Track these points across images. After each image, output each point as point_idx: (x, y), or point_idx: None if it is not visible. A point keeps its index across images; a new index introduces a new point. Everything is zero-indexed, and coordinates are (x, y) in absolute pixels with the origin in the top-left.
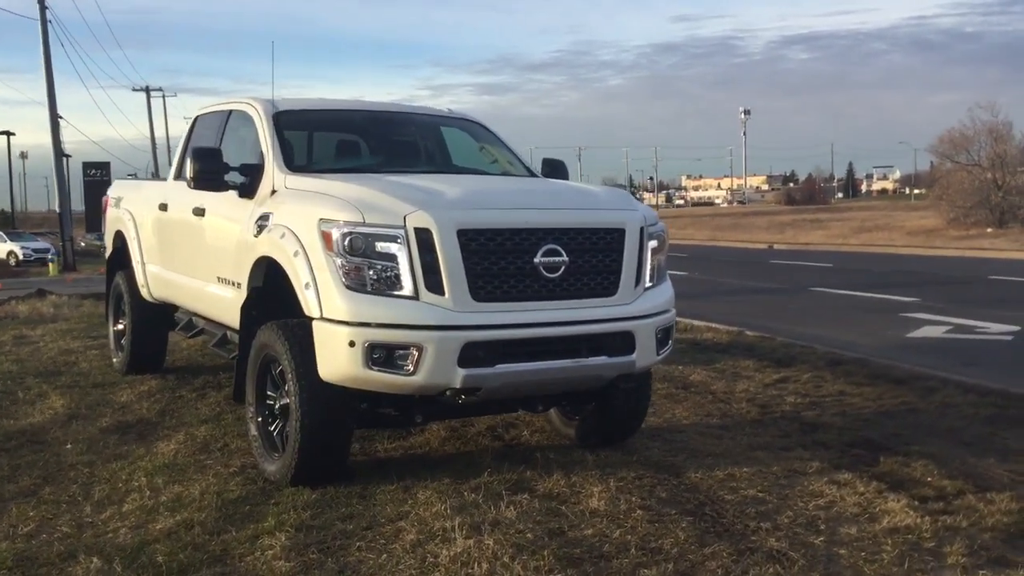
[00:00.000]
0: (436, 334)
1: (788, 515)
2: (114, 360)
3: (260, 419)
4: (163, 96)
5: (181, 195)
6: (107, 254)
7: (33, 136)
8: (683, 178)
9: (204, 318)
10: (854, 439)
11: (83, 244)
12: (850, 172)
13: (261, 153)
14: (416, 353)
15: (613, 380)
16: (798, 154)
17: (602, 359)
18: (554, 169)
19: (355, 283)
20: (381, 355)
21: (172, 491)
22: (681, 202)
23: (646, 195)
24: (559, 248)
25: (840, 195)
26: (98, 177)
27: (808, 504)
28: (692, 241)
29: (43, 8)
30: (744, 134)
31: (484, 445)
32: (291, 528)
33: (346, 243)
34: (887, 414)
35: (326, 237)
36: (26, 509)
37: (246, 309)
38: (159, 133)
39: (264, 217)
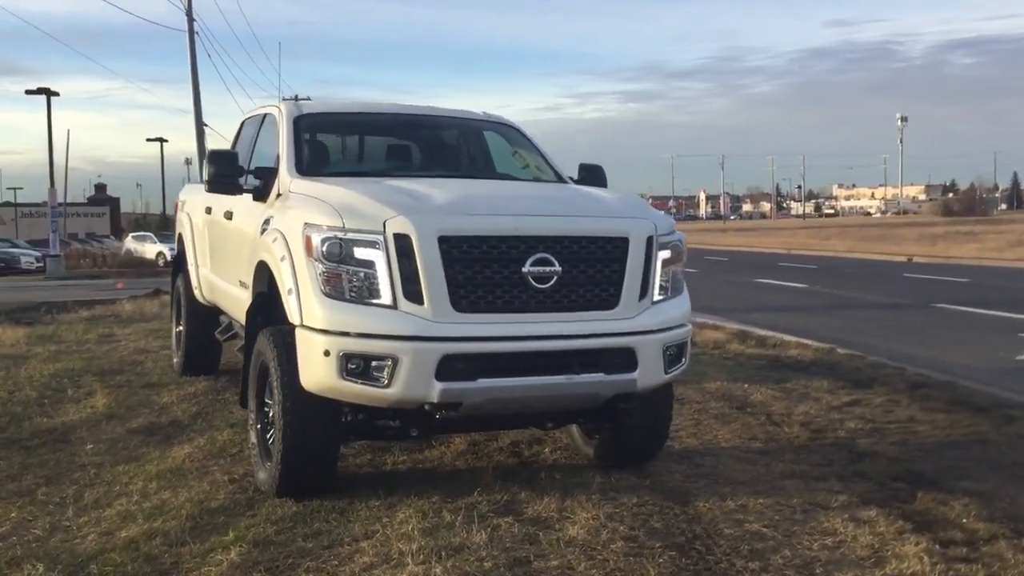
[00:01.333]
0: (412, 345)
1: (785, 555)
2: (174, 361)
3: (259, 427)
4: None
5: (219, 199)
6: (173, 256)
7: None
8: (834, 187)
9: (236, 321)
10: (901, 471)
11: None
12: (1015, 182)
13: (277, 156)
14: (391, 365)
15: (612, 399)
16: (959, 163)
17: (597, 376)
18: (590, 174)
19: (334, 290)
20: (356, 366)
21: (159, 497)
22: (832, 211)
23: (793, 204)
24: (550, 257)
25: (1003, 206)
26: None
27: (813, 543)
28: (829, 253)
29: (191, 20)
30: (901, 142)
31: (497, 461)
32: (249, 543)
33: (324, 248)
34: (951, 444)
35: (307, 242)
36: (11, 509)
37: (251, 313)
38: None
39: (267, 221)
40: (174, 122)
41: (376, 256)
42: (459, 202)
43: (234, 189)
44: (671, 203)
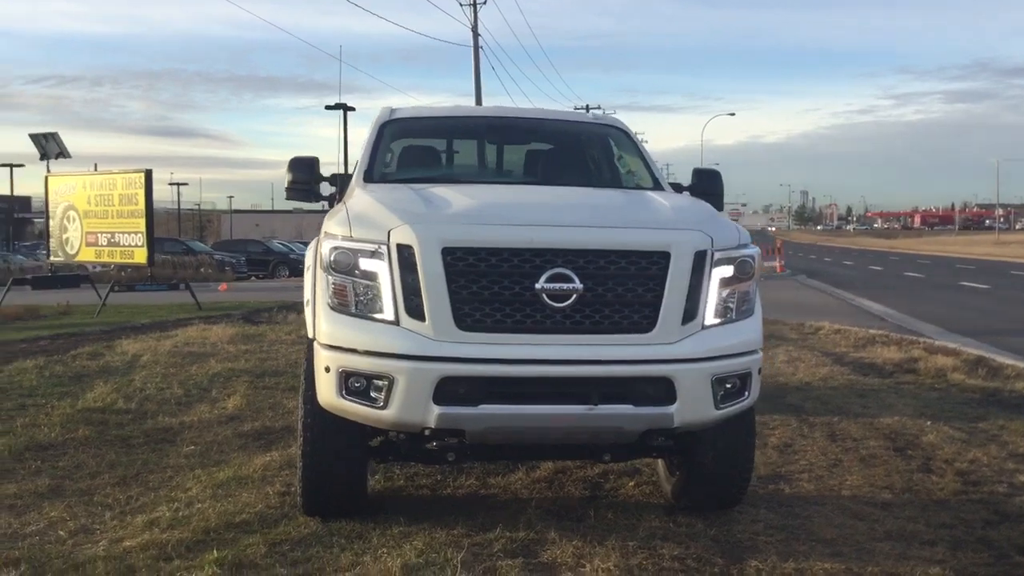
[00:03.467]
0: (408, 364)
1: None
2: None
3: None
4: (603, 114)
5: None
6: None
7: None
8: None
9: None
10: None
11: None
12: None
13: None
14: (388, 385)
15: (645, 436)
16: None
17: (624, 408)
18: (703, 179)
19: (340, 303)
20: (354, 384)
21: (200, 507)
22: None
23: None
24: (570, 273)
25: None
26: None
27: None
28: None
29: (475, 36)
30: None
31: (564, 494)
32: (225, 567)
33: (332, 258)
34: None
35: (321, 252)
36: (59, 508)
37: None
38: None
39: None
40: None
41: (380, 267)
42: (480, 210)
43: (311, 196)
44: (998, 211)
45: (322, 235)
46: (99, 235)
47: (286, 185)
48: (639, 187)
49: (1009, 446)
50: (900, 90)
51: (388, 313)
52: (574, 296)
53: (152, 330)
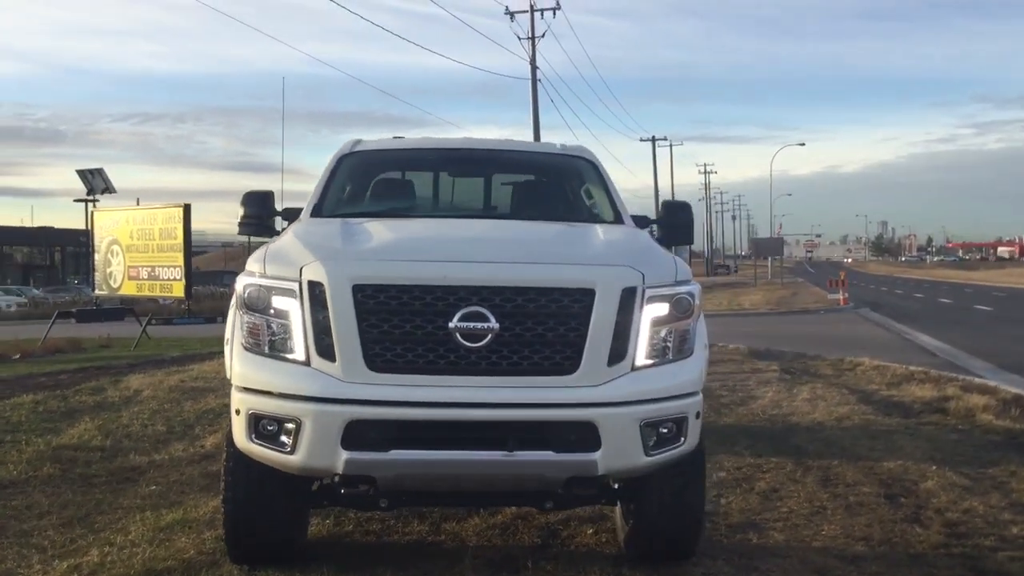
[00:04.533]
0: (314, 407)
1: None
2: None
3: None
4: (669, 145)
5: None
6: None
7: None
8: None
9: None
10: None
11: None
12: None
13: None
14: (295, 428)
15: (571, 483)
16: None
17: (544, 455)
18: (671, 212)
19: (254, 343)
20: (265, 428)
21: (132, 551)
22: None
23: None
24: (485, 312)
25: None
26: None
27: None
28: None
29: (534, 69)
30: None
31: (515, 542)
32: None
33: (246, 295)
34: None
35: (237, 289)
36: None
37: None
38: (663, 182)
39: None
40: None
41: (292, 306)
42: (398, 245)
43: (263, 231)
44: None
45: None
46: (140, 269)
47: (239, 220)
48: (599, 220)
49: (1013, 495)
50: (980, 119)
51: (299, 353)
52: (490, 336)
53: (174, 364)
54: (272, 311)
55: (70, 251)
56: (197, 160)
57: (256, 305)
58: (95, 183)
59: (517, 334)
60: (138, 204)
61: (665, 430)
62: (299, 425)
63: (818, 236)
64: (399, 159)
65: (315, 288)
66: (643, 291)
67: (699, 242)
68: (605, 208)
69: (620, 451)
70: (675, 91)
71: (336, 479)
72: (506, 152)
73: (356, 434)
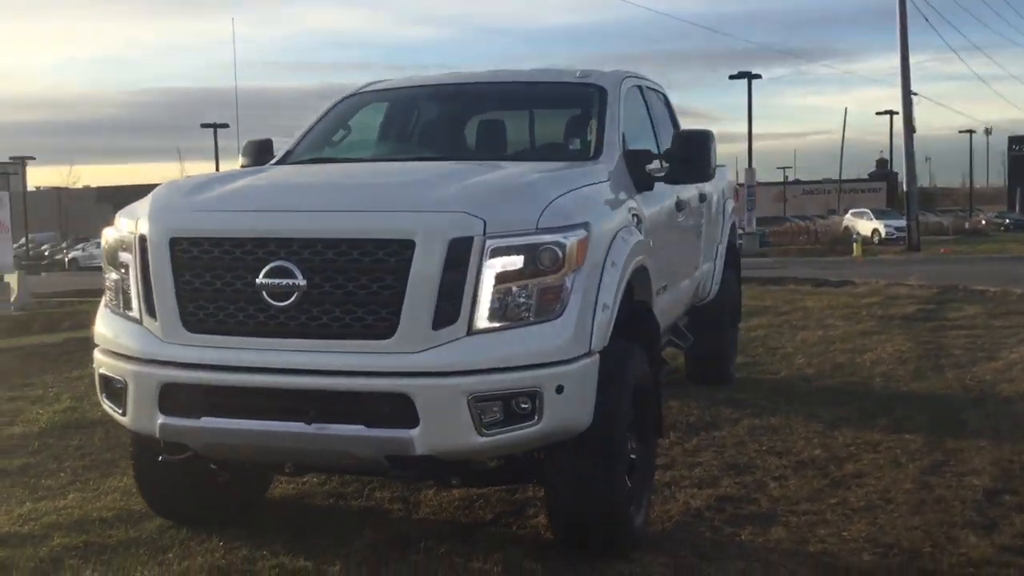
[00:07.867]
0: (134, 368)
1: None
2: None
3: None
4: None
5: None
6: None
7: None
8: None
9: None
10: None
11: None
12: None
13: None
14: (123, 388)
15: (395, 462)
16: None
17: (352, 428)
18: (685, 144)
19: (109, 299)
20: (110, 387)
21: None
22: None
23: None
24: (290, 266)
25: None
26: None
27: None
28: None
29: None
30: None
31: (464, 517)
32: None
33: (104, 248)
34: None
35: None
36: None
37: None
38: None
39: None
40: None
41: (129, 260)
42: (229, 195)
43: None
44: None
45: None
46: None
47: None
48: (568, 158)
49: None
50: None
51: (135, 310)
52: (296, 294)
53: None
54: (119, 265)
55: None
56: None
57: (109, 259)
58: None
59: (326, 292)
60: None
61: (511, 406)
62: (124, 386)
63: None
64: (395, 98)
65: (143, 242)
66: (483, 241)
67: None
68: (590, 142)
69: (443, 429)
70: None
71: (162, 444)
72: (501, 85)
73: (171, 398)
